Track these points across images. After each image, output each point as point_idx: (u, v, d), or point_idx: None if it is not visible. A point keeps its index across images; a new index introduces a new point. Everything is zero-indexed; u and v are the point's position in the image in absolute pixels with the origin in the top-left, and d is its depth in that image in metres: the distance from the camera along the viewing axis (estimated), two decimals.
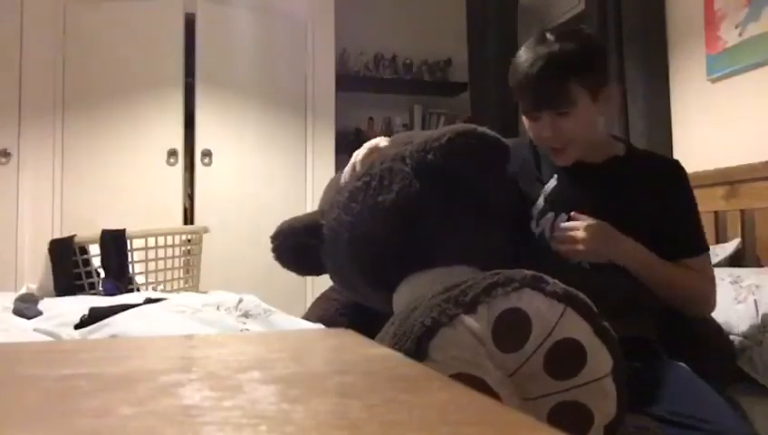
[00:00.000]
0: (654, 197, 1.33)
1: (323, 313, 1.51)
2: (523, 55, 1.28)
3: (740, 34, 2.33)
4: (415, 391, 0.48)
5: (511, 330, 0.88)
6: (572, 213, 1.30)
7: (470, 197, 1.21)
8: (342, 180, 1.34)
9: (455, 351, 0.87)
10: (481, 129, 1.17)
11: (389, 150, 1.27)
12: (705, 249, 1.36)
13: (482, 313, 0.88)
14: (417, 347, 0.86)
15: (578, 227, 1.26)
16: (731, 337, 1.53)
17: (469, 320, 0.88)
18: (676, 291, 1.30)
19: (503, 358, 0.88)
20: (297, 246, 1.36)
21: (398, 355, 0.65)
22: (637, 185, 1.34)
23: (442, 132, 1.18)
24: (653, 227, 1.31)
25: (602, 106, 1.33)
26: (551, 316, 0.89)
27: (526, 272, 0.92)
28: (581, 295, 0.91)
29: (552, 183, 1.38)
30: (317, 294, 1.69)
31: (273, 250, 1.38)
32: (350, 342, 0.73)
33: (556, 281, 0.92)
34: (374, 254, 1.22)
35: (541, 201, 1.38)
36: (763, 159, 2.10)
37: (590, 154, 1.37)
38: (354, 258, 1.24)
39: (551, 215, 1.35)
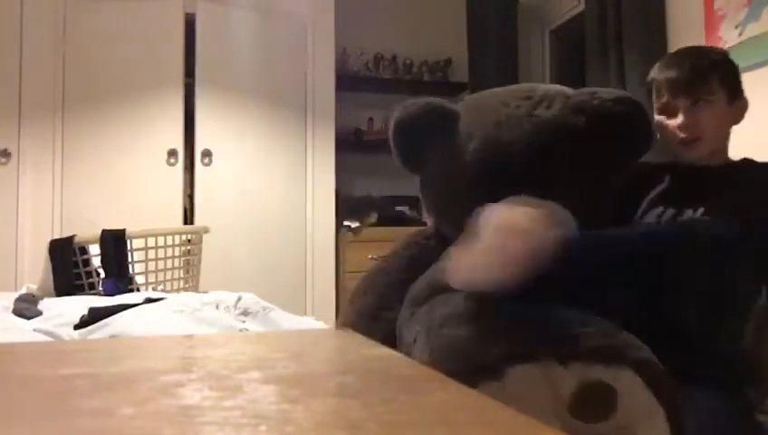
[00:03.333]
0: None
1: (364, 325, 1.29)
2: (668, 58, 1.39)
3: (740, 34, 2.33)
4: (415, 392, 0.48)
5: (594, 403, 0.84)
6: None
7: (603, 161, 1.20)
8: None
9: (527, 391, 0.83)
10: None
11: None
12: None
13: (573, 370, 0.84)
14: (495, 364, 0.84)
15: None
16: None
17: (560, 371, 0.84)
18: None
19: (571, 422, 0.84)
20: (429, 123, 1.29)
21: (398, 355, 0.65)
22: (755, 193, 1.28)
23: (613, 92, 1.23)
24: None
25: (735, 114, 1.37)
26: (640, 413, 0.85)
27: (643, 353, 0.87)
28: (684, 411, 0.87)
29: (664, 184, 1.35)
30: (317, 295, 1.68)
31: (404, 116, 1.30)
32: (350, 342, 0.73)
33: (670, 378, 0.87)
34: (505, 158, 1.17)
35: (646, 202, 1.34)
36: (764, 159, 2.09)
37: (708, 158, 1.35)
38: (483, 158, 1.19)
39: (654, 211, 1.31)
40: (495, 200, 1.15)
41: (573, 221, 1.17)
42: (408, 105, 1.31)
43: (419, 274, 1.27)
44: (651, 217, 1.30)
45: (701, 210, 1.26)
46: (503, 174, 1.17)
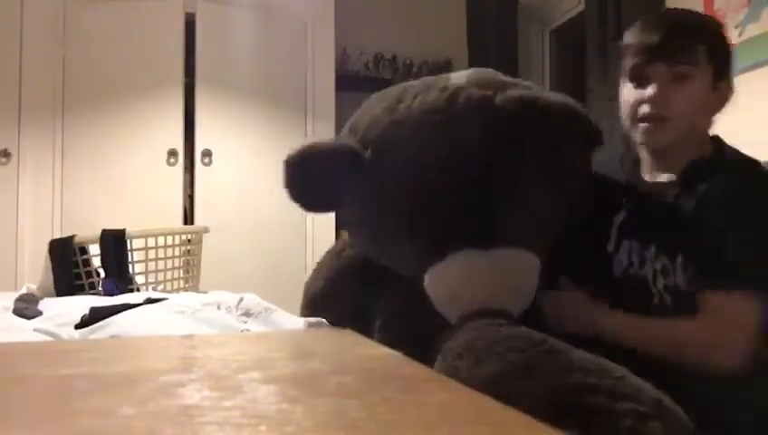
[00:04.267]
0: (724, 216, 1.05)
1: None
2: (648, 18, 1.16)
3: (740, 35, 2.33)
4: (414, 392, 0.48)
5: None
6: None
7: (553, 171, 1.02)
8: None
9: None
10: (576, 108, 1.05)
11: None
12: (744, 286, 1.01)
13: None
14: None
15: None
16: None
17: None
18: (661, 349, 1.02)
19: None
20: (323, 173, 1.09)
21: (398, 355, 0.65)
22: (709, 203, 1.07)
23: (538, 95, 1.03)
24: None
25: (718, 98, 1.14)
26: None
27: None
28: None
29: (622, 215, 1.17)
30: None
31: (291, 173, 1.07)
32: (350, 342, 0.73)
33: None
34: (438, 204, 0.99)
35: (615, 235, 1.17)
36: (764, 160, 2.09)
37: (671, 162, 1.13)
38: (409, 205, 1.01)
39: (626, 243, 1.14)
40: (442, 253, 0.96)
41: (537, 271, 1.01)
42: (291, 158, 1.09)
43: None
44: (623, 256, 1.13)
45: (652, 250, 1.08)
46: (452, 224, 0.99)
